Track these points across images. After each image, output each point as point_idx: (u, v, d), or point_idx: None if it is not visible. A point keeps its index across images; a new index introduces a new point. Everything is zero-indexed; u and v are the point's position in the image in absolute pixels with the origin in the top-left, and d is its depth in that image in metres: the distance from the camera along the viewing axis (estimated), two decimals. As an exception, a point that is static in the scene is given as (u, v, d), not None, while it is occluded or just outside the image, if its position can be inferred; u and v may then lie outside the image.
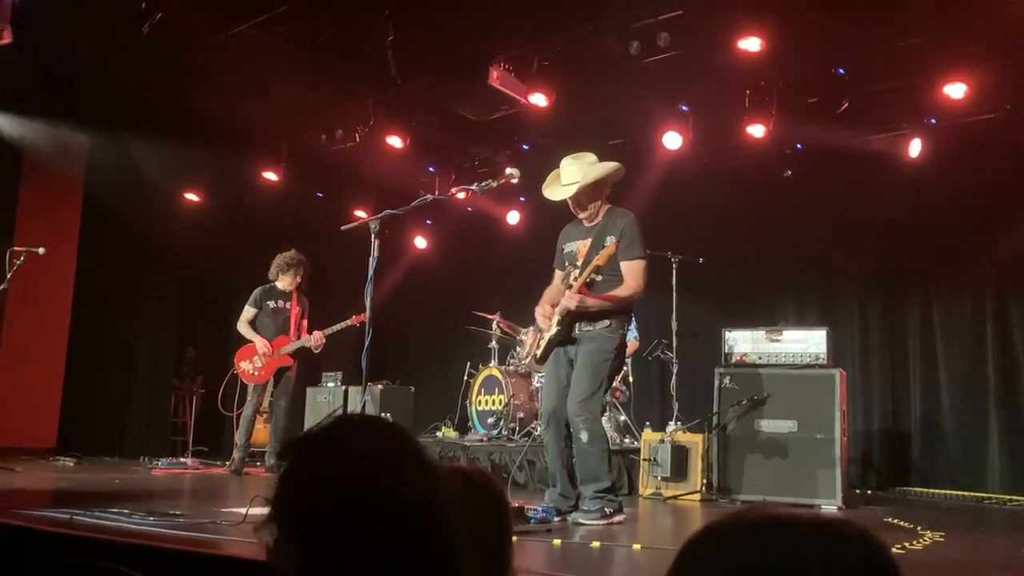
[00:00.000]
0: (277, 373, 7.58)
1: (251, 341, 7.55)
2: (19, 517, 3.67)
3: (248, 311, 7.66)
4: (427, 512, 1.15)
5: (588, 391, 4.73)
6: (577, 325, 4.86)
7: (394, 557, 1.11)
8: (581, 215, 5.03)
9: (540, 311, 4.98)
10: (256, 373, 7.51)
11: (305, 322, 7.71)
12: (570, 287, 4.79)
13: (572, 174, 4.94)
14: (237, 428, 7.56)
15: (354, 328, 7.33)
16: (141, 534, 3.48)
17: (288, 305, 7.67)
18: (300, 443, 1.21)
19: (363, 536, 1.10)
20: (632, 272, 4.81)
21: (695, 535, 0.92)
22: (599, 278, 4.84)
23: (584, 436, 4.70)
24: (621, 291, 4.79)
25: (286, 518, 1.14)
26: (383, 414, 8.64)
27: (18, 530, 3.42)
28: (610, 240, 4.79)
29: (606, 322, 4.82)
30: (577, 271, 4.86)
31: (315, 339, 7.53)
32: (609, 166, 4.98)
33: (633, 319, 7.91)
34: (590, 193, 4.93)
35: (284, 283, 7.68)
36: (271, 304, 7.66)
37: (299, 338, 7.60)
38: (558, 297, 4.94)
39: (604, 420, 6.80)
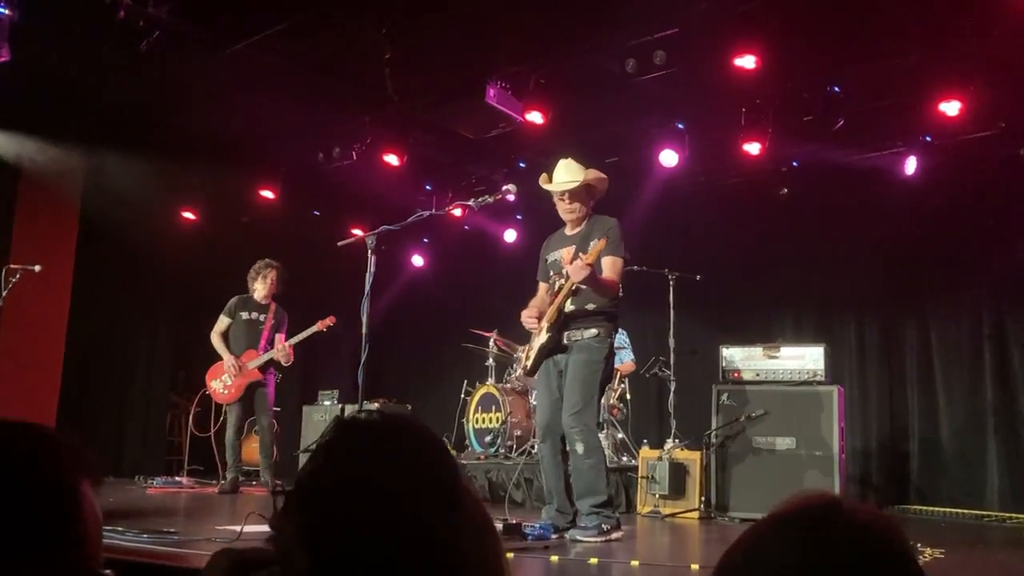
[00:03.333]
0: (249, 390, 7.33)
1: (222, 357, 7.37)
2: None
3: (221, 321, 7.46)
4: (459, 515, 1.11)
5: (581, 402, 4.71)
6: (566, 334, 4.85)
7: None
8: (567, 217, 5.06)
9: (526, 313, 4.97)
10: (226, 392, 7.33)
11: (281, 336, 7.42)
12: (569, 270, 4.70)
13: (572, 172, 4.99)
14: (219, 453, 7.40)
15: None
16: (135, 551, 3.46)
17: (263, 317, 7.43)
18: (331, 445, 1.14)
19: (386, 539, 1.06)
20: (613, 267, 4.82)
21: (755, 525, 0.92)
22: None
23: (580, 448, 4.69)
24: (600, 279, 4.75)
25: (308, 522, 1.08)
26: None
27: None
28: (595, 242, 4.77)
29: (594, 331, 4.82)
30: (563, 279, 4.85)
31: (281, 351, 7.24)
32: (591, 173, 5.05)
33: (627, 339, 7.93)
34: (583, 194, 4.98)
35: (259, 293, 7.50)
36: (244, 315, 7.45)
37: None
38: (544, 306, 4.95)
39: (601, 437, 6.80)
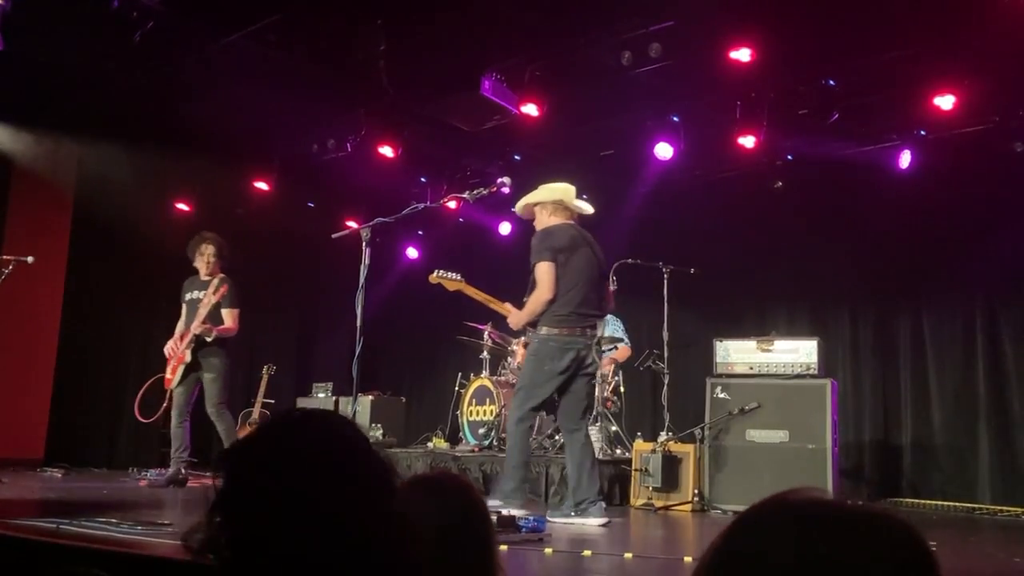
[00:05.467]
0: (189, 376, 6.90)
1: None
2: (5, 526, 3.64)
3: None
4: (378, 514, 1.13)
5: (518, 386, 5.28)
6: None
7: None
8: None
9: None
10: (171, 376, 6.98)
11: (225, 311, 6.87)
12: None
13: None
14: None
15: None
16: (128, 543, 3.45)
17: (202, 295, 6.95)
18: (237, 453, 1.18)
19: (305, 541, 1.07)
20: (539, 275, 5.16)
21: (742, 515, 0.91)
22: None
23: None
24: (528, 304, 5.23)
25: (225, 526, 1.11)
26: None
27: (3, 539, 3.39)
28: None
29: (541, 330, 5.18)
30: None
31: (197, 328, 6.78)
32: (536, 195, 5.39)
33: (621, 326, 7.93)
34: (536, 218, 5.41)
35: (201, 269, 7.06)
36: (187, 296, 7.09)
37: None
38: None
39: (594, 431, 6.81)
